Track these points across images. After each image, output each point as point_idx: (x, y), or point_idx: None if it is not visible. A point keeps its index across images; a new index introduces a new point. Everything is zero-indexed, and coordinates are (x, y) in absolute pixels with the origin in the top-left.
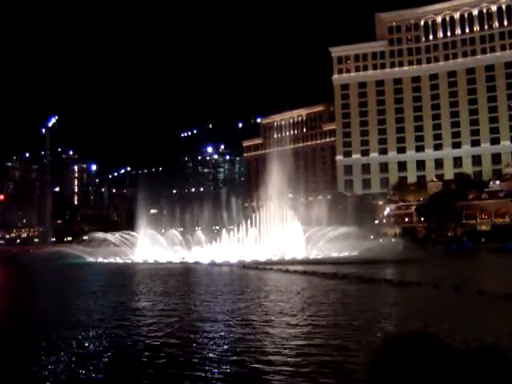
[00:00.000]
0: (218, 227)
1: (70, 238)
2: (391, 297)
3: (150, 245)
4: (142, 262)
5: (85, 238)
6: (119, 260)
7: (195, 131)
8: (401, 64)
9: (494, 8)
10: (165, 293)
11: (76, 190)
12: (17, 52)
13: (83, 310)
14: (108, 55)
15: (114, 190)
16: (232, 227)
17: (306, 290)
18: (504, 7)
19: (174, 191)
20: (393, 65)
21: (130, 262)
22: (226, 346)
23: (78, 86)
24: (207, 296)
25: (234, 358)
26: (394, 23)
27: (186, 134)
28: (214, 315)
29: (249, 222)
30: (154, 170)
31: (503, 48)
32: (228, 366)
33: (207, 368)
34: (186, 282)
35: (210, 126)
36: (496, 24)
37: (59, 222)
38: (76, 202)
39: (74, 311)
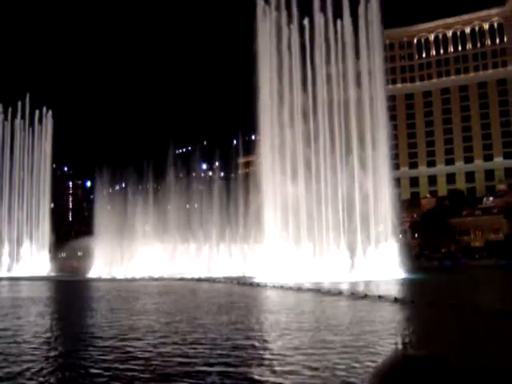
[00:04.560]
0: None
1: (64, 255)
2: (387, 314)
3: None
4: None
5: (79, 254)
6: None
7: (190, 148)
8: (394, 81)
9: (486, 26)
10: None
11: (71, 206)
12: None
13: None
14: (103, 72)
15: (109, 207)
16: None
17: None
18: (496, 25)
19: (169, 207)
20: (386, 82)
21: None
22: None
23: (73, 102)
24: None
25: None
26: (387, 41)
27: (180, 151)
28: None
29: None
30: (148, 186)
31: (495, 65)
32: None
33: None
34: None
35: (205, 142)
36: (488, 42)
37: (53, 237)
38: (70, 219)
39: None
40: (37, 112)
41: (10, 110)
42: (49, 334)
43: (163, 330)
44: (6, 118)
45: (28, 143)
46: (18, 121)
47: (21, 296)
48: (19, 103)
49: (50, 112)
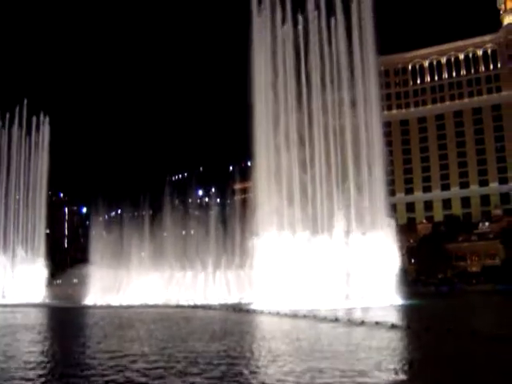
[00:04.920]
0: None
1: (59, 281)
2: (384, 341)
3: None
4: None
5: (75, 280)
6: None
7: (186, 174)
8: (389, 107)
9: (479, 52)
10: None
11: (66, 232)
12: None
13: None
14: (100, 95)
15: (104, 233)
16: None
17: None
18: (490, 51)
19: (165, 234)
20: (381, 108)
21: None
22: None
23: (69, 130)
24: None
25: None
26: (382, 67)
27: (176, 177)
28: None
29: None
30: (144, 212)
31: (490, 91)
32: None
33: None
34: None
35: (201, 168)
36: (482, 68)
37: (49, 264)
38: (66, 245)
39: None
40: (34, 120)
41: (7, 116)
42: (38, 361)
43: (154, 357)
44: (3, 125)
45: (24, 160)
46: (14, 129)
47: (14, 323)
48: (17, 108)
49: (48, 124)
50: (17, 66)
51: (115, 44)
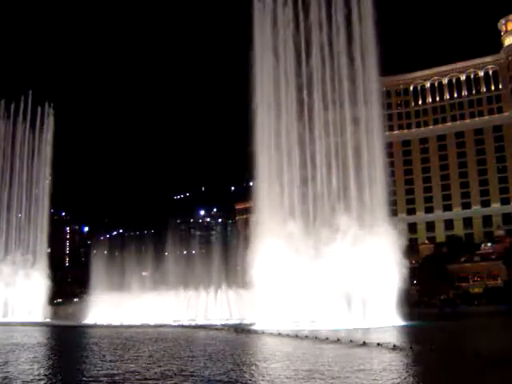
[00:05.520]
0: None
1: (60, 300)
2: (386, 362)
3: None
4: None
5: (75, 300)
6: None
7: (188, 194)
8: (391, 128)
9: (481, 73)
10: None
11: (67, 251)
12: None
13: None
14: (104, 117)
15: (106, 252)
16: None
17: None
18: (491, 72)
19: (166, 253)
20: (383, 129)
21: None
22: None
23: (72, 149)
24: None
25: None
26: (384, 88)
27: (179, 197)
28: None
29: None
30: (145, 232)
31: (491, 112)
32: None
33: None
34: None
35: (203, 188)
36: (483, 89)
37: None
38: (67, 264)
39: None
40: (37, 126)
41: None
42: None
43: (151, 378)
44: (8, 116)
45: (28, 168)
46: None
47: (13, 342)
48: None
49: (50, 142)
50: (20, 61)
51: (119, 54)
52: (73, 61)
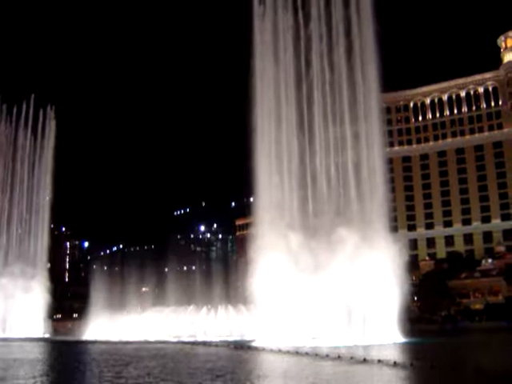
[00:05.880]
0: (209, 306)
1: (59, 316)
2: (386, 380)
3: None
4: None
5: (74, 315)
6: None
7: (188, 210)
8: (391, 144)
9: (480, 90)
10: None
11: (67, 266)
12: None
13: None
14: (105, 131)
15: (106, 268)
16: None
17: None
18: (490, 89)
19: (166, 269)
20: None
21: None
22: None
23: (73, 164)
24: None
25: None
26: (384, 105)
27: (179, 213)
28: None
29: None
30: (146, 247)
31: (491, 128)
32: None
33: None
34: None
35: (203, 204)
36: (484, 105)
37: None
38: (67, 279)
39: None
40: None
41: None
42: None
43: None
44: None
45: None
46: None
47: (11, 357)
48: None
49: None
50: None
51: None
52: (74, 63)
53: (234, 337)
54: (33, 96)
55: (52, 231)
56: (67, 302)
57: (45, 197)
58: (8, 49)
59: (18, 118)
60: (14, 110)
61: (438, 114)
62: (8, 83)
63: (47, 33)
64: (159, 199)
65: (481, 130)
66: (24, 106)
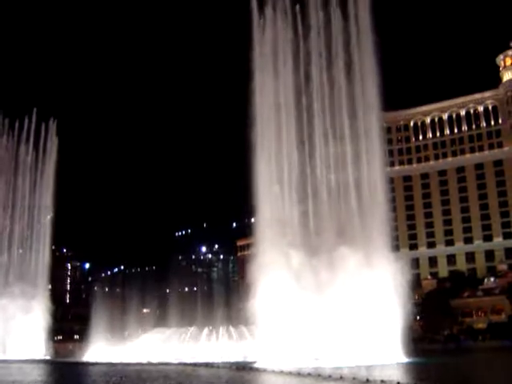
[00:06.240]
0: (211, 327)
1: (60, 337)
2: None
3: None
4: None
5: (76, 337)
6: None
7: (189, 231)
8: (392, 164)
9: (480, 109)
10: None
11: (68, 287)
12: None
13: None
14: (107, 153)
15: (107, 289)
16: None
17: None
18: (490, 107)
19: (168, 290)
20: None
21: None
22: None
23: (73, 185)
24: None
25: None
26: (385, 124)
27: (180, 234)
28: None
29: None
30: (147, 269)
31: (491, 147)
32: None
33: None
34: None
35: (204, 225)
36: (483, 124)
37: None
38: (68, 301)
39: None
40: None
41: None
42: None
43: None
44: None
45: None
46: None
47: (10, 379)
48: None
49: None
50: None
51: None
52: (76, 75)
53: (236, 358)
54: (35, 110)
55: (53, 252)
56: (68, 323)
57: (46, 215)
58: (10, 63)
59: (20, 132)
60: (16, 124)
61: (438, 133)
62: (10, 98)
63: (49, 46)
64: (160, 220)
65: (481, 149)
66: (26, 121)
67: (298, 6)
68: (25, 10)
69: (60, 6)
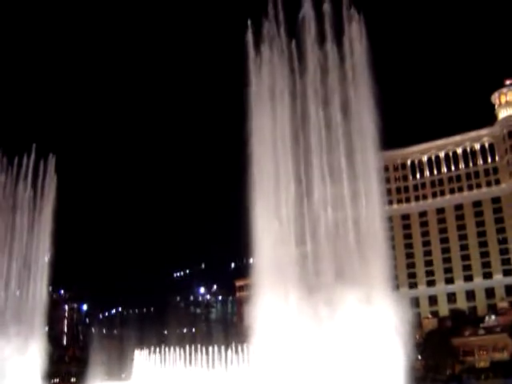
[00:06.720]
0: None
1: (57, 380)
2: None
3: None
4: None
5: (72, 380)
6: None
7: (187, 271)
8: (390, 202)
9: (477, 146)
10: None
11: (66, 329)
12: None
13: None
14: (103, 195)
15: (105, 331)
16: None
17: None
18: (487, 145)
19: (165, 332)
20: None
21: None
22: None
23: (71, 224)
24: None
25: None
26: (382, 163)
27: (178, 274)
28: None
29: None
30: (145, 310)
31: (489, 184)
32: None
33: None
34: None
35: (203, 266)
36: (480, 161)
37: (47, 362)
38: (65, 342)
39: None
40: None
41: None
42: None
43: None
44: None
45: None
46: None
47: None
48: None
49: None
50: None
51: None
52: (75, 110)
53: None
54: (34, 146)
55: (50, 294)
56: (65, 365)
57: (44, 256)
58: (8, 99)
59: (19, 169)
60: (15, 161)
61: (435, 171)
62: (9, 135)
63: (47, 79)
64: (158, 261)
65: (479, 186)
66: (25, 158)
67: (294, 42)
68: (22, 45)
69: (57, 36)
